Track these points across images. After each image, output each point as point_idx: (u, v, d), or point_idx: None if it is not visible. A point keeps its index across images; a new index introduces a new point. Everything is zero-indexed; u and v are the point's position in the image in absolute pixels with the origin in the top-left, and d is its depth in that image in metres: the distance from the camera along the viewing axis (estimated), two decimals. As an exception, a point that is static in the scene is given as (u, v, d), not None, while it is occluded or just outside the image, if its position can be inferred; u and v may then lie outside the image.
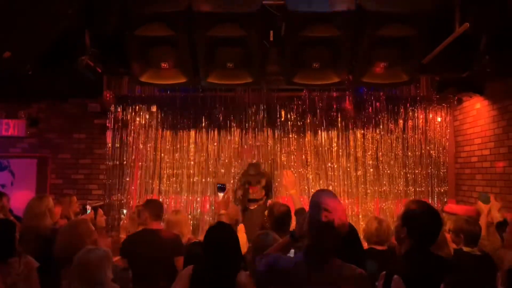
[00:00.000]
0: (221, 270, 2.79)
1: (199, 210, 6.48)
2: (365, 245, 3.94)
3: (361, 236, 4.59)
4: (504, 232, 3.70)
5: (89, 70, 4.39)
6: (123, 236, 4.78)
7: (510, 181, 4.94)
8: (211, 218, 6.31)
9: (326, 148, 6.48)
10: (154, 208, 3.91)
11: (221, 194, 4.39)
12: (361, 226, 6.29)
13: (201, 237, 4.61)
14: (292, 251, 2.65)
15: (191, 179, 6.53)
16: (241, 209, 5.47)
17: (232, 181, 6.39)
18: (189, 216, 6.33)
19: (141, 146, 6.60)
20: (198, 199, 6.51)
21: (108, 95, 6.08)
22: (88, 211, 4.72)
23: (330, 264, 2.16)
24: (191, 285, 2.81)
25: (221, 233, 2.97)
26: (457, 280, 2.04)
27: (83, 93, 6.28)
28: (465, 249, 3.36)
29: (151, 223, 3.86)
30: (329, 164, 6.45)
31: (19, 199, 5.53)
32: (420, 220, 2.33)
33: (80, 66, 4.21)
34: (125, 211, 5.17)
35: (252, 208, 5.63)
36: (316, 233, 2.16)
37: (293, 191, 4.23)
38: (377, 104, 6.45)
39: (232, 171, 6.44)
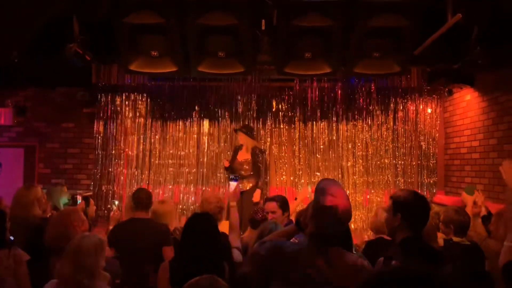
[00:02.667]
0: (199, 259, 2.74)
1: (189, 200, 6.47)
2: (373, 235, 3.96)
3: (368, 226, 4.60)
4: (489, 224, 3.74)
5: (78, 58, 4.32)
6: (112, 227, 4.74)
7: (498, 173, 4.94)
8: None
9: (316, 139, 6.48)
10: (140, 197, 3.89)
11: (233, 184, 4.26)
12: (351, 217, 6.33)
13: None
14: None
15: (181, 169, 6.50)
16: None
17: (221, 171, 6.39)
18: (179, 207, 6.31)
19: (130, 135, 6.54)
20: (188, 189, 6.48)
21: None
22: (79, 201, 4.65)
23: (333, 251, 2.16)
24: (171, 274, 2.79)
25: (202, 222, 2.91)
26: (447, 270, 2.06)
27: (72, 82, 6.17)
28: (455, 239, 3.40)
29: (138, 212, 3.85)
30: (319, 155, 6.46)
31: (6, 189, 5.44)
32: (412, 203, 2.37)
33: (69, 54, 4.14)
34: (117, 202, 5.12)
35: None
36: (320, 218, 2.17)
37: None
38: (368, 95, 6.46)
39: (222, 161, 6.41)
